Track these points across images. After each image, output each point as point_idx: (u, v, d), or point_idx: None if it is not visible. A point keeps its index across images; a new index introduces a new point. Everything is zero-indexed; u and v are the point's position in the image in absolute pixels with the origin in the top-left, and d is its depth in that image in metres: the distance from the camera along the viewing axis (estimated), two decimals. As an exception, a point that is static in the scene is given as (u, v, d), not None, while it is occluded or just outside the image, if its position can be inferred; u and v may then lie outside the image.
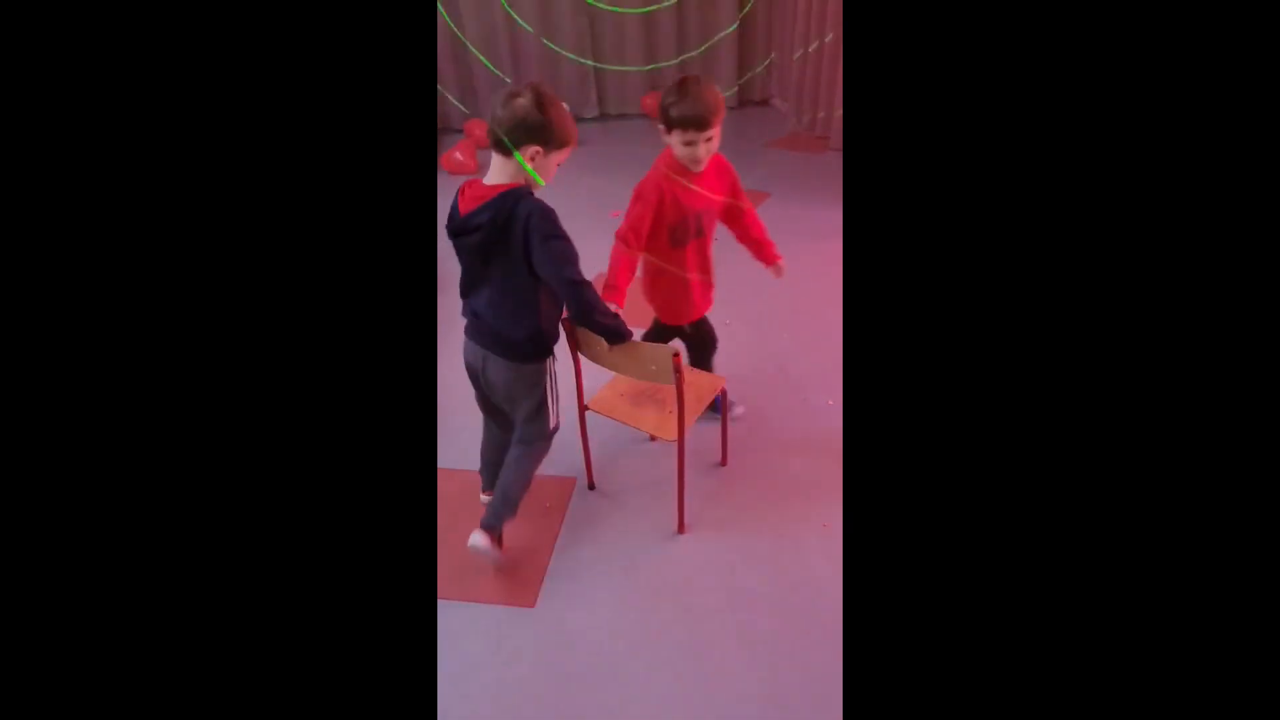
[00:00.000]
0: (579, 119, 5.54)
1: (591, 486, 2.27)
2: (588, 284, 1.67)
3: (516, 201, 1.59)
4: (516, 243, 1.60)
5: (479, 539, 1.84)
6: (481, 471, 2.14)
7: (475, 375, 1.87)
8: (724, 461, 2.30)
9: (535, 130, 1.58)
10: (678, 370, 1.76)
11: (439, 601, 1.88)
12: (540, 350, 1.79)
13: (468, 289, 1.75)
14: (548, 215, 1.61)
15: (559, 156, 1.67)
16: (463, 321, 1.80)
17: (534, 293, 1.69)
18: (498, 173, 1.64)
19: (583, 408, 2.11)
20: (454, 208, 1.66)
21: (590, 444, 2.23)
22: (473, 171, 4.77)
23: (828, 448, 2.33)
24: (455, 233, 1.66)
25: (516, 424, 1.91)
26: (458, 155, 4.72)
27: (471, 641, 1.80)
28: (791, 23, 5.03)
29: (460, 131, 5.31)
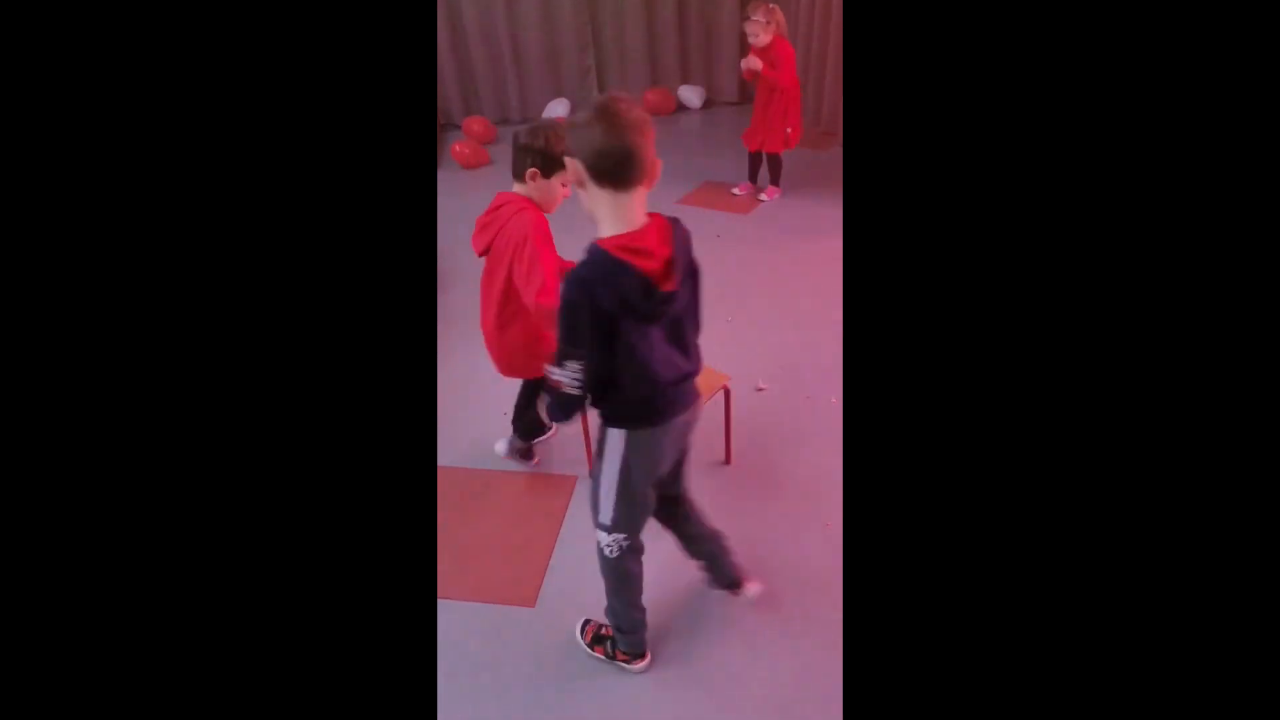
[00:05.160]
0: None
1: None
2: None
3: (678, 220, 1.35)
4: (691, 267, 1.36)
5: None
6: (635, 644, 1.75)
7: (682, 453, 1.58)
8: (728, 460, 2.30)
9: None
10: None
11: (439, 601, 1.88)
12: None
13: (666, 360, 1.36)
14: None
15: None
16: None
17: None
18: (639, 205, 1.28)
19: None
20: (637, 276, 1.23)
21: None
22: (486, 162, 4.74)
23: (832, 446, 2.33)
24: (680, 286, 1.29)
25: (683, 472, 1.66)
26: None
27: (472, 641, 1.80)
28: (794, 16, 5.01)
29: (459, 128, 5.29)
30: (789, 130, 3.81)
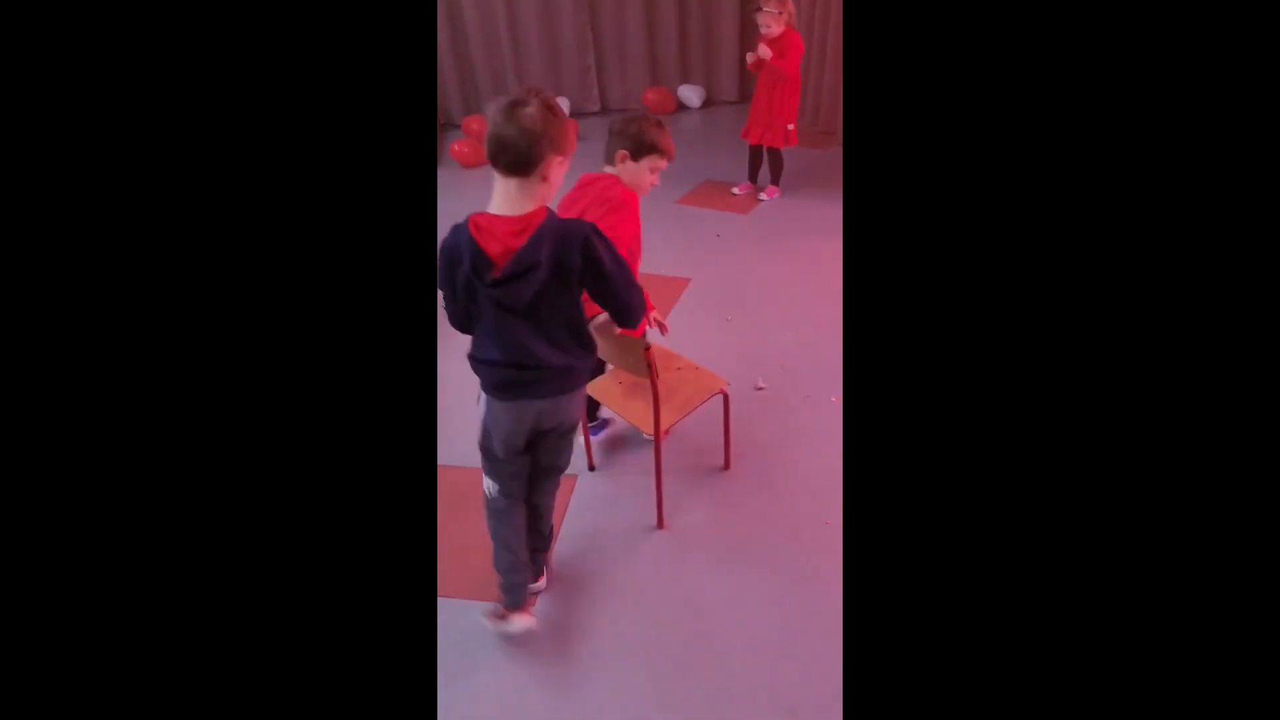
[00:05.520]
0: (581, 114, 5.53)
1: (592, 468, 2.28)
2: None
3: (572, 226, 1.44)
4: (575, 269, 1.41)
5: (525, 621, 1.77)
6: (511, 591, 1.77)
7: (532, 437, 1.63)
8: (726, 466, 2.29)
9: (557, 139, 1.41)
10: (650, 365, 1.76)
11: (439, 599, 1.88)
12: (592, 362, 1.63)
13: (517, 343, 1.47)
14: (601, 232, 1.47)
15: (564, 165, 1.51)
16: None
17: (582, 313, 1.51)
18: (518, 197, 1.39)
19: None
20: (475, 251, 1.39)
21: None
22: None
23: (832, 445, 2.33)
24: (505, 278, 1.38)
25: (559, 457, 1.75)
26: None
27: (472, 641, 1.80)
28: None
29: (459, 127, 5.29)
30: (790, 127, 3.81)
